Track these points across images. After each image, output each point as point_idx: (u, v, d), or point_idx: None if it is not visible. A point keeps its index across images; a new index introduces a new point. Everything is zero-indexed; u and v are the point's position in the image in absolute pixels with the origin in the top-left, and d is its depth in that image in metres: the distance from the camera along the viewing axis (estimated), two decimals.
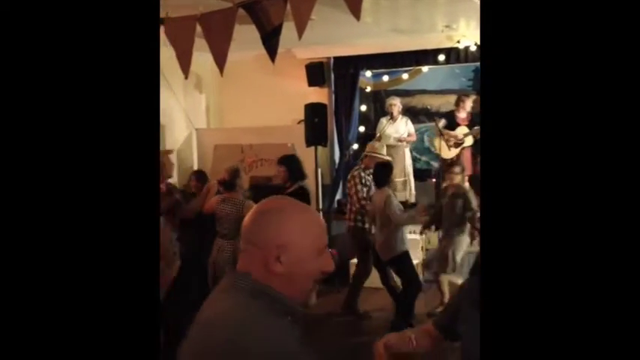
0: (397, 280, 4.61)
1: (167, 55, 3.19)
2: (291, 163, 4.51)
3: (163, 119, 6.38)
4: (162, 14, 3.00)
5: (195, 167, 6.69)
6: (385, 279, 4.67)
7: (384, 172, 4.50)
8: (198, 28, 2.93)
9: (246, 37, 3.20)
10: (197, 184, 4.85)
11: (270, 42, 2.81)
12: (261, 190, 4.95)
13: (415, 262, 4.92)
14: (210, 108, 7.16)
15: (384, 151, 5.08)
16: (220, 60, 2.89)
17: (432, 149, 7.13)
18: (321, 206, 5.61)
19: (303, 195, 4.49)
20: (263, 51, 2.90)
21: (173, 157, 5.96)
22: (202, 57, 3.54)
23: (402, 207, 4.51)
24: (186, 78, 3.12)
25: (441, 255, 4.75)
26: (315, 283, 1.22)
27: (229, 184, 4.06)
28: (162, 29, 3.02)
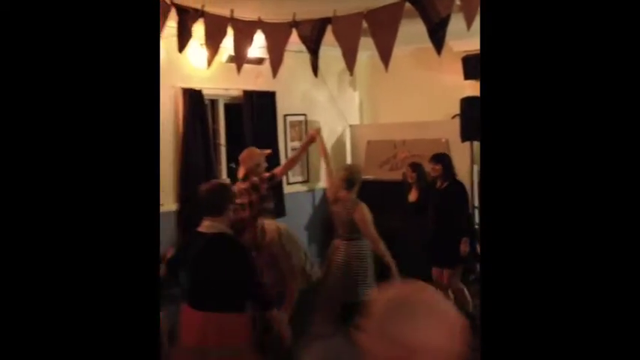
0: None
1: (325, 53, 3.31)
2: (445, 160, 4.47)
3: (318, 116, 6.60)
4: (330, 13, 3.10)
5: (349, 162, 6.84)
6: None
7: None
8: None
9: (400, 32, 3.20)
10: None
11: (437, 34, 2.78)
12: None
13: None
14: (363, 104, 7.26)
15: None
16: (386, 55, 2.92)
17: None
18: (476, 204, 5.42)
19: (460, 192, 4.40)
20: (417, 45, 2.88)
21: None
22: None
23: None
24: (351, 75, 3.20)
25: None
26: None
27: (350, 181, 3.94)
28: (329, 28, 3.12)
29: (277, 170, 4.40)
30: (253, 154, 4.26)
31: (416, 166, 4.84)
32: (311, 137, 4.55)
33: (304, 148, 4.60)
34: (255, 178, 4.05)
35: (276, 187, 4.59)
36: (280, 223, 4.19)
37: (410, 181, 4.83)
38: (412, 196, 4.79)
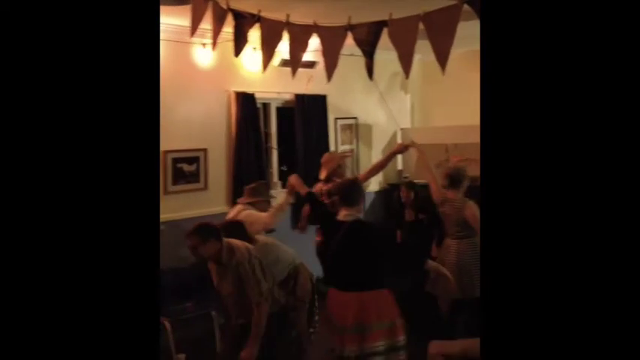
0: None
1: (376, 57, 3.28)
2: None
3: (369, 119, 6.57)
4: (386, 16, 3.07)
5: (400, 167, 6.77)
6: None
7: None
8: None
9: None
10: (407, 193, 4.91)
11: None
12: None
13: None
14: (414, 107, 7.18)
15: None
16: (443, 58, 2.86)
17: None
18: None
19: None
20: (469, 48, 2.80)
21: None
22: None
23: None
24: (407, 77, 3.16)
25: None
26: None
27: (456, 181, 4.06)
28: (385, 31, 3.09)
29: (361, 175, 4.43)
30: (334, 157, 4.63)
31: (412, 186, 4.91)
32: (401, 148, 4.52)
33: (390, 158, 4.57)
34: (337, 180, 4.18)
35: None
36: (260, 239, 3.89)
37: (404, 201, 4.88)
38: (408, 216, 4.92)
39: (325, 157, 4.59)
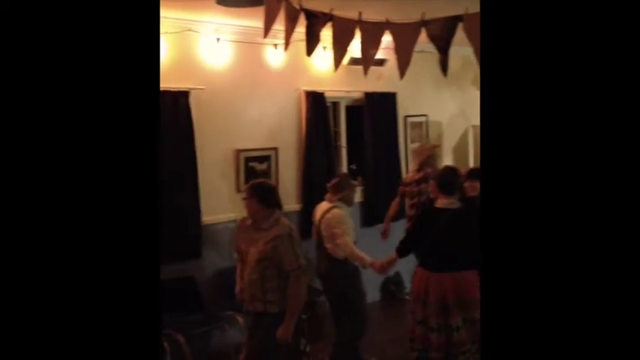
0: None
1: (453, 53, 3.21)
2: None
3: (440, 116, 6.45)
4: (461, 11, 3.00)
5: (471, 164, 6.61)
6: None
7: None
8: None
9: None
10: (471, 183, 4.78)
11: None
12: None
13: None
14: None
15: None
16: None
17: None
18: None
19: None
20: None
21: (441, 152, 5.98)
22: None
23: None
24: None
25: None
26: None
27: (443, 185, 4.15)
28: (460, 26, 3.02)
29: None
30: (425, 148, 5.04)
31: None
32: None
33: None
34: (428, 169, 4.57)
35: None
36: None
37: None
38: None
39: (417, 147, 5.07)
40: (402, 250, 3.72)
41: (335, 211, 4.03)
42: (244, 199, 3.25)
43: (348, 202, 4.15)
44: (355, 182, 4.44)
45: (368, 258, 4.14)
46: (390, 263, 4.02)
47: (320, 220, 4.03)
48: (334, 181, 4.20)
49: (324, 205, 4.15)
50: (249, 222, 3.39)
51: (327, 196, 4.18)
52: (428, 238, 3.48)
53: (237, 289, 3.51)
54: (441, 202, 3.50)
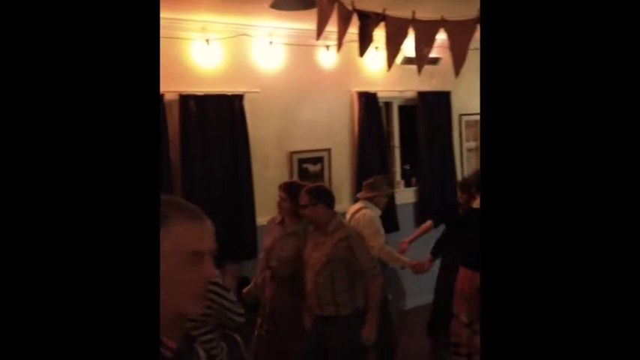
0: None
1: None
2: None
3: None
4: None
5: None
6: None
7: None
8: None
9: None
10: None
11: None
12: None
13: None
14: None
15: None
16: None
17: None
18: None
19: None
20: None
21: None
22: None
23: None
24: None
25: None
26: None
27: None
28: None
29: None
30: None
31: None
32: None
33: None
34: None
35: None
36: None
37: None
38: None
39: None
40: (438, 252, 3.77)
41: (364, 211, 4.03)
42: (305, 205, 3.21)
43: (379, 204, 4.14)
44: (390, 188, 4.37)
45: (406, 258, 4.12)
46: (428, 264, 4.06)
47: (349, 220, 4.02)
48: (370, 180, 4.23)
49: (355, 206, 4.19)
50: (277, 221, 3.49)
51: (361, 194, 4.20)
52: (469, 238, 3.45)
53: (248, 288, 3.62)
54: (476, 203, 3.57)
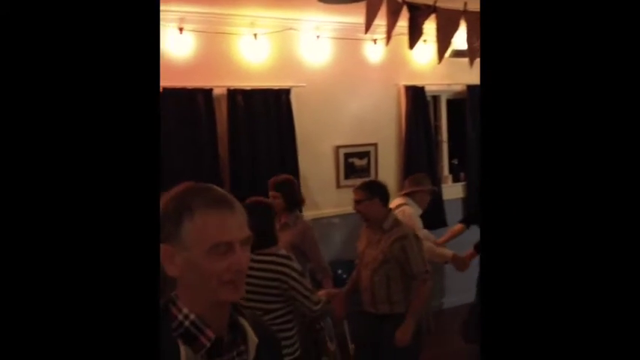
0: None
1: None
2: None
3: None
4: None
5: None
6: None
7: None
8: None
9: None
10: None
11: None
12: None
13: None
14: None
15: None
16: None
17: None
18: None
19: None
20: None
21: None
22: None
23: None
24: None
25: None
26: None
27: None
28: None
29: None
30: None
31: None
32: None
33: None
34: None
35: None
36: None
37: None
38: None
39: None
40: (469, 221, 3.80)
41: (404, 208, 3.98)
42: (360, 200, 3.18)
43: (420, 202, 4.08)
44: (432, 187, 4.28)
45: (447, 250, 4.04)
46: (470, 258, 3.96)
47: None
48: (412, 176, 4.23)
49: (395, 201, 4.09)
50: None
51: (405, 183, 4.20)
52: None
53: None
54: None
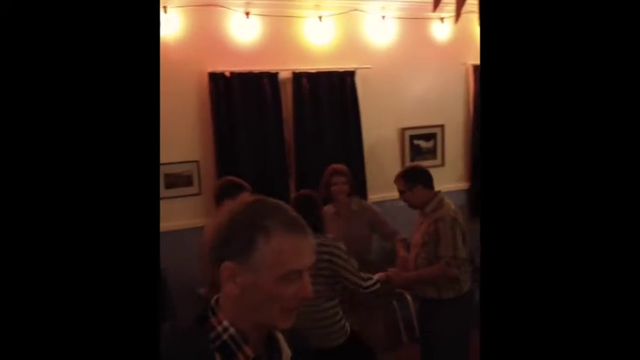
0: None
1: None
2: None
3: None
4: None
5: None
6: None
7: None
8: None
9: None
10: None
11: None
12: None
13: None
14: None
15: None
16: None
17: None
18: None
19: None
20: None
21: None
22: None
23: None
24: None
25: None
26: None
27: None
28: None
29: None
30: None
31: None
32: None
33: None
34: None
35: None
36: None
37: None
38: None
39: None
40: None
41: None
42: (403, 191, 3.14)
43: None
44: None
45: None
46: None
47: None
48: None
49: None
50: (332, 210, 3.58)
51: None
52: None
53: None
54: None
